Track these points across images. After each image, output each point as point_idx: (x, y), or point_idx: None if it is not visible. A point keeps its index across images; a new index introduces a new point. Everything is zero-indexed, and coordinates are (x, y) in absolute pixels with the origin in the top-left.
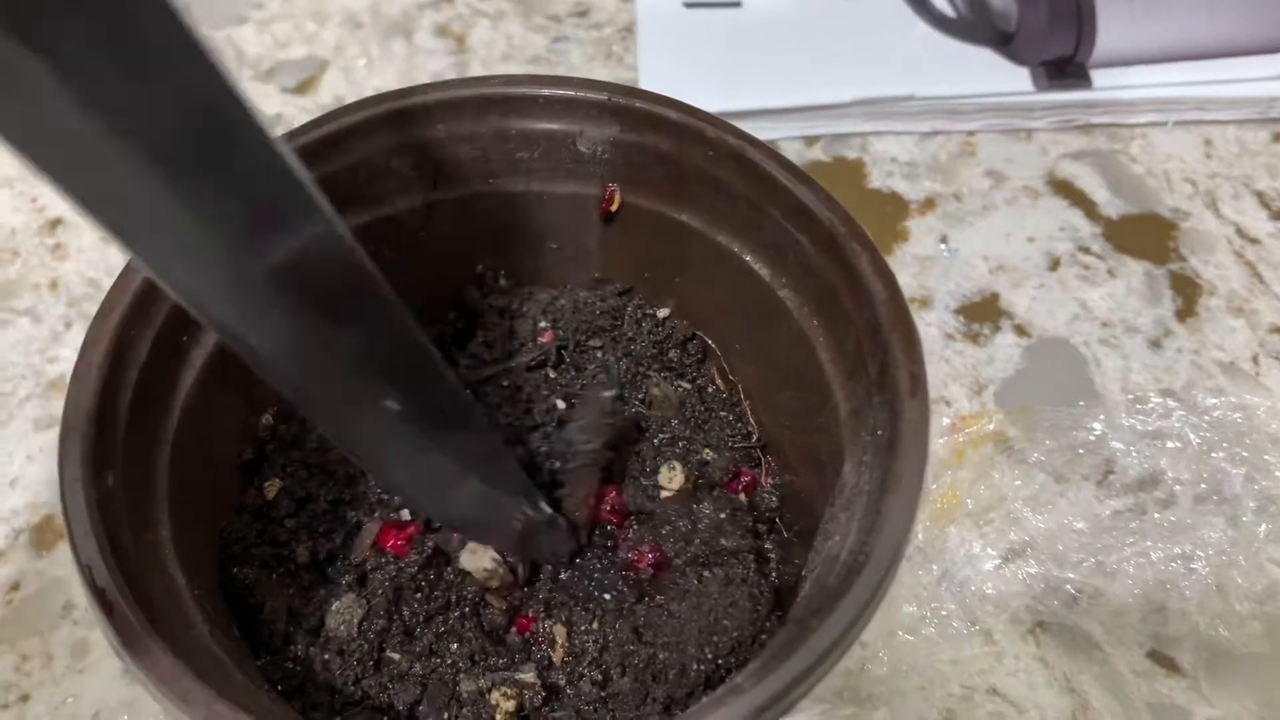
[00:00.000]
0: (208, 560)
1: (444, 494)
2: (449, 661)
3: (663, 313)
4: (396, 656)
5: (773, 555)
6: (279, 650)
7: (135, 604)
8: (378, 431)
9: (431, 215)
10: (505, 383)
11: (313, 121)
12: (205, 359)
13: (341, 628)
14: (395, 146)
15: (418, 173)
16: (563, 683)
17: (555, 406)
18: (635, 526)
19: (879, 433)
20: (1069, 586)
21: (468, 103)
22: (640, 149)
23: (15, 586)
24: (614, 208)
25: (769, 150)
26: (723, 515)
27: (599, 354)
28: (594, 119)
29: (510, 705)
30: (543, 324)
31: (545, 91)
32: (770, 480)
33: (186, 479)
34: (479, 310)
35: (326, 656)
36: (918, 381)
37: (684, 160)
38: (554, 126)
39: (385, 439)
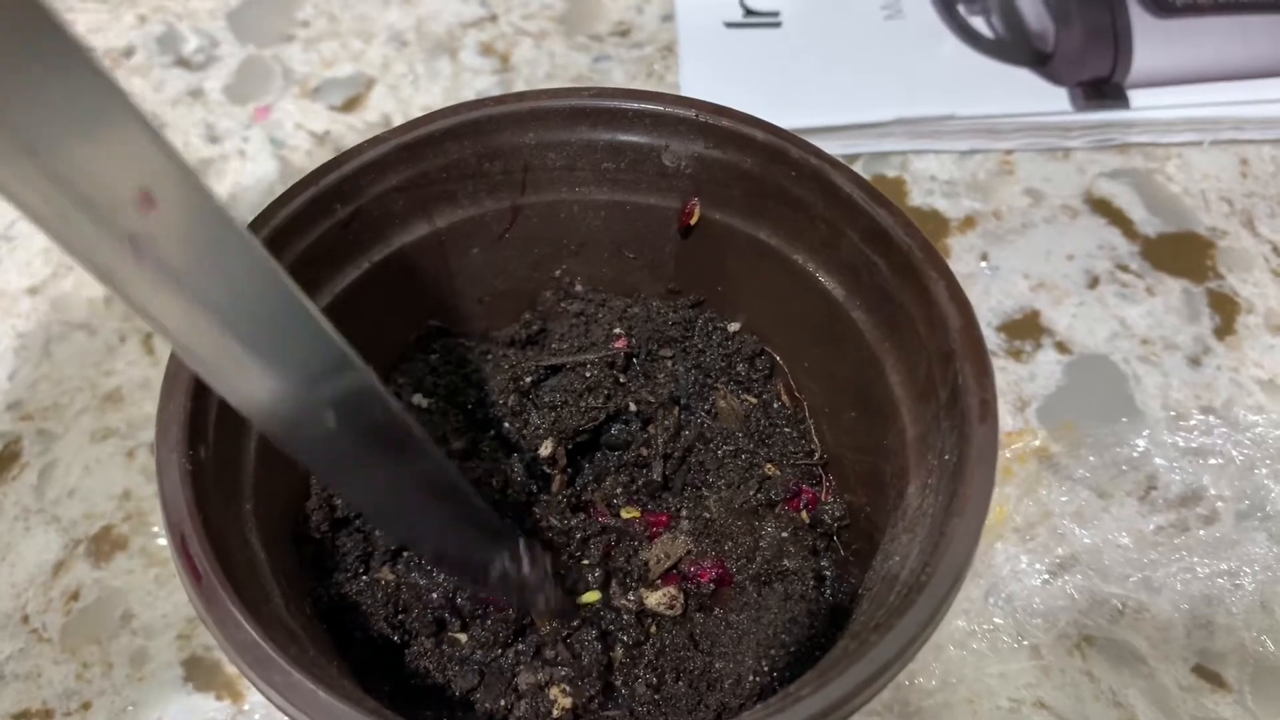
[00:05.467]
0: (284, 536)
1: (406, 520)
2: (511, 654)
3: (733, 326)
4: (462, 638)
5: (829, 573)
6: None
7: (222, 573)
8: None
9: (517, 218)
10: (575, 382)
11: (412, 121)
12: None
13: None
14: (488, 151)
15: (507, 177)
16: (618, 683)
17: (628, 407)
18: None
19: (946, 457)
20: (1114, 601)
21: (560, 113)
22: (723, 165)
23: (75, 596)
24: (693, 221)
25: (850, 173)
26: (785, 534)
27: (668, 363)
28: (680, 134)
29: (567, 702)
30: (617, 330)
31: (635, 105)
32: (830, 498)
33: (271, 456)
34: (554, 313)
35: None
36: (988, 408)
37: (765, 179)
38: (641, 140)
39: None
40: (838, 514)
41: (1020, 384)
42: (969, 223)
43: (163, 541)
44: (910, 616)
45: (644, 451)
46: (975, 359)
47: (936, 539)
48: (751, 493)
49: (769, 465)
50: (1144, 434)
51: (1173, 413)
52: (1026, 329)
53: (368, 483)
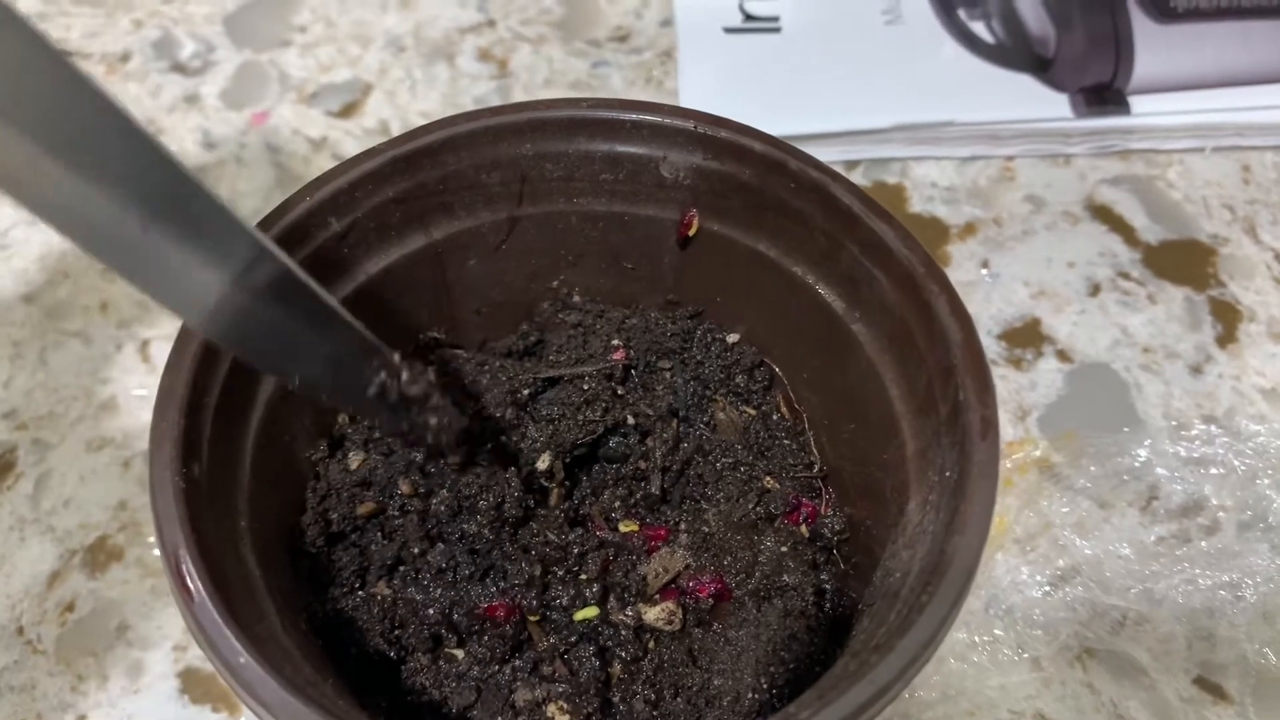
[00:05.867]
0: (279, 552)
1: (266, 346)
2: (508, 670)
3: (732, 338)
4: (459, 654)
5: (828, 586)
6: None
7: (215, 592)
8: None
9: (514, 229)
10: (573, 394)
11: (408, 133)
12: None
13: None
14: (486, 162)
15: (504, 188)
16: (616, 699)
17: (626, 420)
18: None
19: (947, 474)
20: (1116, 613)
21: (557, 124)
22: (721, 177)
23: (70, 607)
24: (691, 232)
25: (850, 185)
26: (784, 549)
27: (667, 375)
28: (679, 145)
29: (565, 719)
30: (615, 341)
31: (633, 116)
32: (830, 512)
33: (266, 471)
34: (552, 324)
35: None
36: (989, 425)
37: (764, 190)
38: (639, 151)
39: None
40: (838, 528)
41: (1021, 393)
42: (969, 229)
43: (159, 552)
44: (911, 637)
45: (642, 464)
46: (976, 375)
47: (937, 557)
48: (751, 506)
49: (768, 478)
50: (1145, 443)
51: (1174, 422)
52: (1027, 337)
53: (293, 355)
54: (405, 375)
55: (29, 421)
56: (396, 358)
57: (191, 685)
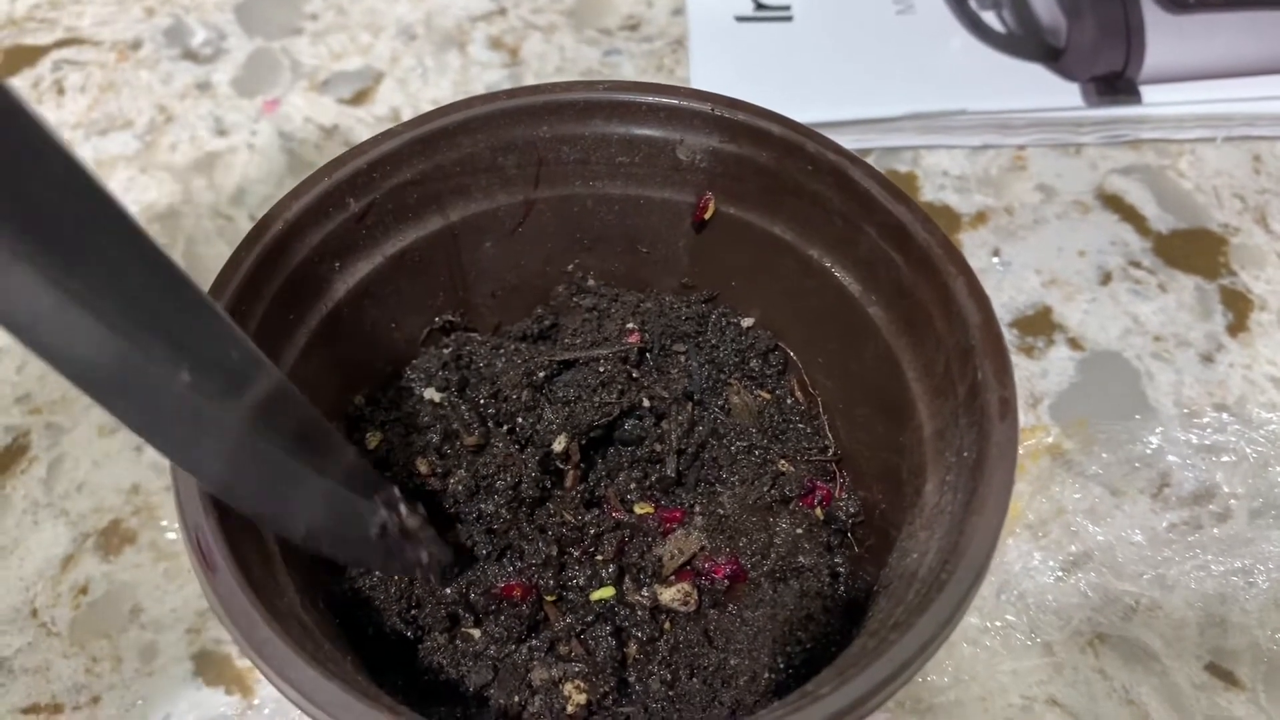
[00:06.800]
0: None
1: (278, 493)
2: (525, 649)
3: (747, 322)
4: (476, 634)
5: (842, 570)
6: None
7: (237, 567)
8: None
9: (530, 212)
10: (589, 377)
11: (426, 114)
12: (308, 337)
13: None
14: (502, 144)
15: (520, 171)
16: (633, 679)
17: (641, 403)
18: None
19: (965, 454)
20: (1128, 599)
21: (574, 106)
22: (739, 160)
23: (84, 590)
24: (707, 216)
25: (869, 168)
26: (799, 531)
27: (682, 358)
28: (695, 128)
29: (581, 698)
30: (630, 325)
31: (650, 99)
32: (844, 495)
33: None
34: (567, 308)
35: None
36: (1008, 406)
37: (782, 173)
38: (655, 133)
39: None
40: (852, 510)
41: (1032, 380)
42: (981, 218)
43: (172, 535)
44: (930, 615)
45: (657, 447)
46: (995, 356)
47: (956, 537)
48: (765, 489)
49: (783, 461)
50: (1157, 431)
51: (1186, 410)
52: (1039, 325)
53: (301, 497)
54: (404, 509)
55: (43, 405)
56: (395, 491)
57: (205, 668)
